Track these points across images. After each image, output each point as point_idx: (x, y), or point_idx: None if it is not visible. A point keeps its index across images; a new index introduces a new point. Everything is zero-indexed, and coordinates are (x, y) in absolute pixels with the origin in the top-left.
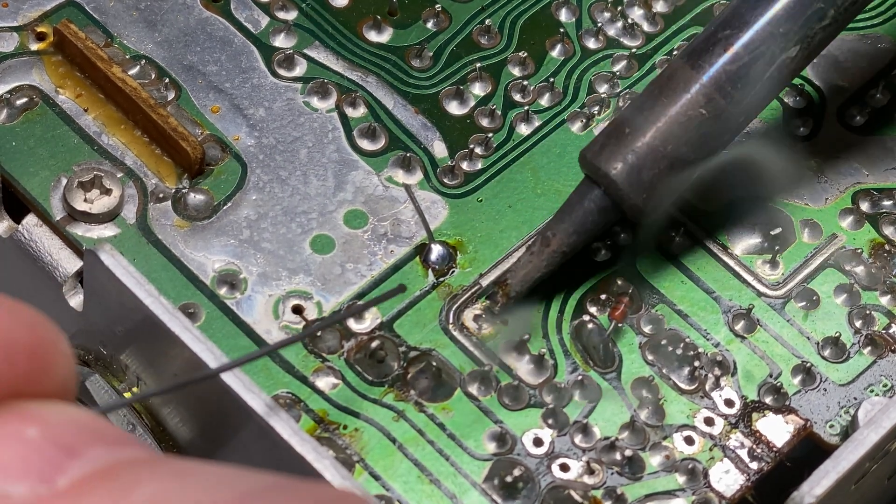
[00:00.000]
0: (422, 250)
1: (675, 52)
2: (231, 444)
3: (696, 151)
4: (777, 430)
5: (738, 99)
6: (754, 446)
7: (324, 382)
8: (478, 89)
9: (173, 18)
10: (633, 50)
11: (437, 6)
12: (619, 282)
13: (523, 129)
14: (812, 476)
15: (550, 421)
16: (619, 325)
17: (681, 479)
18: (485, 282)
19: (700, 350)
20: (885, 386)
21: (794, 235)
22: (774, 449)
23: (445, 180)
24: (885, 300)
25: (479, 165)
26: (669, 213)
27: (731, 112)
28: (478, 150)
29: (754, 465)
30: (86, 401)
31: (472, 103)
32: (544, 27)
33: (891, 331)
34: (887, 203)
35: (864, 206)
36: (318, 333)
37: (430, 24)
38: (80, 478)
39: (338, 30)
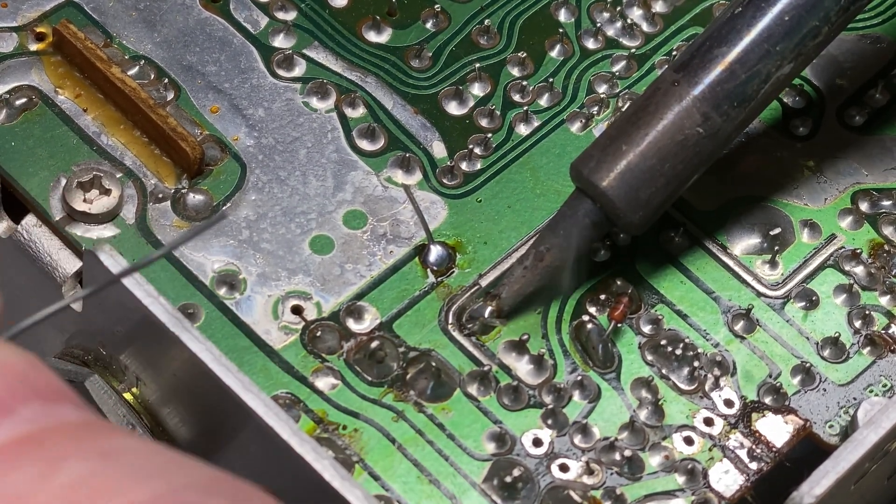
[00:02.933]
0: (421, 251)
1: (674, 53)
2: (231, 444)
3: (692, 168)
4: (776, 430)
5: (733, 117)
6: (754, 446)
7: (323, 383)
8: (477, 89)
9: (172, 19)
10: (633, 50)
11: (436, 6)
12: (619, 282)
13: (522, 130)
14: (812, 476)
15: (550, 421)
16: (619, 325)
17: (680, 480)
18: (484, 282)
19: (699, 350)
20: (884, 386)
21: (794, 235)
22: (774, 449)
23: (445, 181)
24: (884, 300)
25: (479, 166)
26: (669, 214)
27: (726, 129)
28: (477, 151)
29: (754, 466)
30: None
31: (472, 103)
32: (543, 27)
33: (890, 331)
34: (886, 203)
35: (864, 207)
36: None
37: (429, 25)
38: (8, 441)
39: (337, 30)
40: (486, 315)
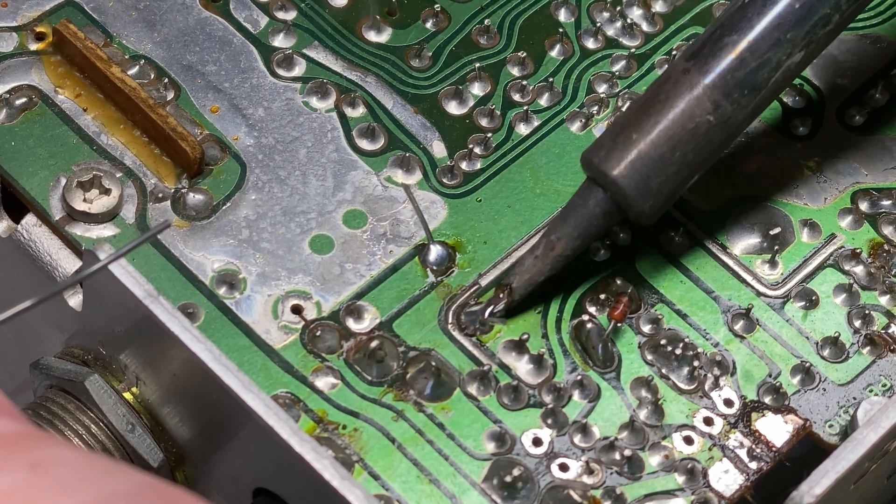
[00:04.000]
0: (421, 250)
1: (674, 53)
2: (231, 443)
3: (703, 156)
4: (776, 429)
5: (744, 105)
6: (753, 446)
7: (323, 382)
8: (477, 89)
9: (172, 18)
10: (633, 50)
11: (436, 6)
12: (619, 281)
13: (522, 129)
14: (811, 476)
15: (550, 421)
16: (619, 324)
17: (680, 479)
18: (484, 281)
19: (699, 350)
20: (884, 385)
21: (794, 235)
22: (774, 449)
23: (444, 180)
24: (884, 300)
25: (479, 165)
26: (669, 213)
27: (736, 117)
28: (477, 150)
29: (753, 465)
30: (84, 400)
31: (472, 103)
32: (543, 27)
33: (890, 330)
34: (886, 203)
35: (864, 206)
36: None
37: (429, 24)
38: None
39: (337, 30)
40: (495, 309)
